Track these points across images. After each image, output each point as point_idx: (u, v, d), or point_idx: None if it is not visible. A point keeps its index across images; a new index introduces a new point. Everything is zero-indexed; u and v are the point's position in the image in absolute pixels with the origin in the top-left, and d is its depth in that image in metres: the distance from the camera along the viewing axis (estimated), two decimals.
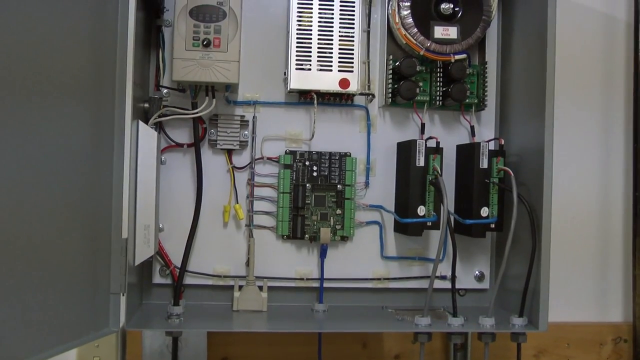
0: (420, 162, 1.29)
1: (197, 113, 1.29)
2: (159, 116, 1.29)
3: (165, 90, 1.32)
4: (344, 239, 1.37)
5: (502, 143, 1.34)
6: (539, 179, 1.25)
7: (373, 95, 1.38)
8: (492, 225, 1.32)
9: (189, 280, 1.35)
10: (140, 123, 1.21)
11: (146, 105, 1.29)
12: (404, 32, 1.32)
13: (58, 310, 1.05)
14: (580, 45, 1.67)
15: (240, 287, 1.33)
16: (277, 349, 1.49)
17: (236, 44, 1.24)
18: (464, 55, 1.35)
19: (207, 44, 1.23)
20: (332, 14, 1.31)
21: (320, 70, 1.31)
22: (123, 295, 1.16)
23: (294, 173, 1.35)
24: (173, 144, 1.34)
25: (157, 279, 1.35)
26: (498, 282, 1.29)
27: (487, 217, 1.31)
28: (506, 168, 1.30)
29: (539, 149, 1.26)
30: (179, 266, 1.31)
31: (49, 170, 1.03)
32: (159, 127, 1.32)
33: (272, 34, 1.36)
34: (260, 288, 1.33)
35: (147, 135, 1.22)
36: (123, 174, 1.16)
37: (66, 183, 1.06)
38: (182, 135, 1.34)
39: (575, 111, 1.66)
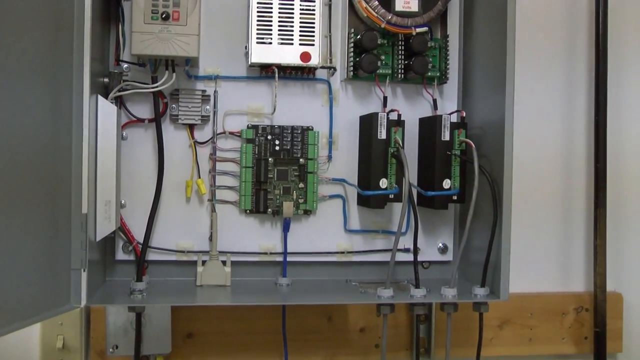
0: (382, 134, 1.29)
1: (156, 87, 1.28)
2: (119, 91, 1.28)
3: (125, 65, 1.31)
4: (307, 212, 1.37)
5: (464, 115, 1.35)
6: (500, 151, 1.26)
7: (335, 69, 1.37)
8: (454, 197, 1.33)
9: (152, 256, 1.34)
10: (100, 97, 1.19)
11: (106, 80, 1.28)
12: (364, 4, 1.32)
13: (17, 286, 1.04)
14: (543, 15, 1.68)
15: (204, 262, 1.33)
16: (242, 324, 1.49)
17: (195, 17, 1.23)
18: (425, 28, 1.35)
19: (166, 17, 1.22)
20: None
21: (282, 43, 1.31)
22: (84, 271, 1.15)
23: (256, 147, 1.35)
24: (134, 119, 1.32)
25: (121, 255, 1.34)
26: (460, 253, 1.30)
27: (449, 189, 1.32)
28: (467, 140, 1.30)
29: (500, 121, 1.26)
30: (142, 242, 1.30)
31: (6, 146, 1.01)
32: (120, 103, 1.31)
33: (233, 7, 1.35)
34: (224, 263, 1.33)
35: (107, 109, 1.21)
36: (82, 149, 1.14)
37: (24, 159, 1.05)
38: (144, 110, 1.33)
39: (537, 81, 1.67)
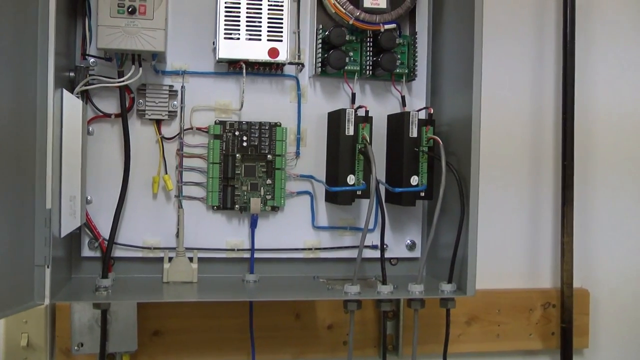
0: (350, 131, 1.29)
1: (122, 82, 1.27)
2: (85, 85, 1.26)
3: (92, 59, 1.29)
4: (274, 209, 1.37)
5: (432, 112, 1.35)
6: (467, 148, 1.27)
7: (302, 65, 1.37)
8: (422, 194, 1.33)
9: (119, 252, 1.33)
10: (65, 92, 1.18)
11: (72, 74, 1.27)
12: (333, 1, 1.32)
13: None
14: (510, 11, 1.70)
15: (170, 258, 1.32)
16: (209, 321, 1.48)
17: (162, 11, 1.22)
18: (393, 25, 1.35)
19: (132, 11, 1.21)
20: None
21: (249, 39, 1.30)
22: (48, 267, 1.13)
23: (224, 143, 1.34)
24: (100, 114, 1.31)
25: (87, 252, 1.33)
26: (427, 250, 1.30)
27: (416, 186, 1.32)
28: (435, 137, 1.31)
29: (467, 118, 1.27)
30: (108, 238, 1.29)
31: None
32: (86, 97, 1.30)
33: (201, 2, 1.34)
34: (191, 259, 1.32)
35: (72, 104, 1.19)
36: (46, 144, 1.12)
37: None
38: (110, 105, 1.31)
39: (507, 78, 1.69)
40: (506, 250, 1.69)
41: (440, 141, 1.28)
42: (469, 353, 1.66)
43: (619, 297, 1.78)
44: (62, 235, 1.17)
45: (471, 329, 1.65)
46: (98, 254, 1.32)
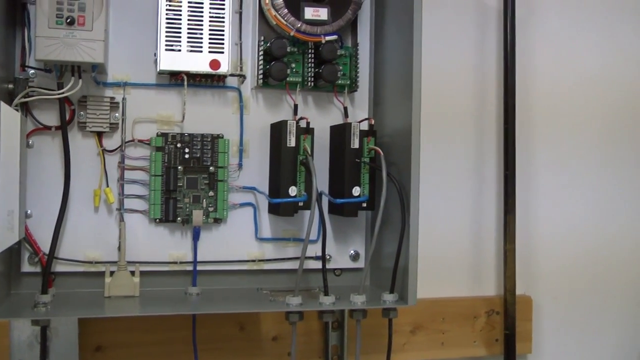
0: (291, 142, 1.29)
1: (62, 93, 1.25)
2: (24, 97, 1.25)
3: (31, 71, 1.27)
4: (217, 221, 1.36)
5: (372, 123, 1.36)
6: (407, 158, 1.28)
7: (244, 77, 1.37)
8: (364, 204, 1.34)
9: (60, 267, 1.31)
10: (2, 104, 1.15)
11: (11, 86, 1.25)
12: (274, 12, 1.32)
13: None
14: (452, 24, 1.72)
15: (112, 272, 1.30)
16: (152, 335, 1.47)
17: (102, 22, 1.21)
18: (334, 37, 1.36)
19: (71, 22, 1.19)
20: None
21: (191, 51, 1.30)
22: None
23: (166, 155, 1.33)
24: (40, 126, 1.29)
25: (26, 267, 1.30)
26: (369, 260, 1.31)
27: (358, 196, 1.33)
28: (376, 147, 1.32)
29: (407, 129, 1.28)
30: (48, 253, 1.27)
31: None
32: (26, 110, 1.28)
33: (142, 13, 1.33)
34: (133, 273, 1.31)
35: (10, 116, 1.17)
36: None
37: None
38: (51, 118, 1.30)
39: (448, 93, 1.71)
40: (451, 259, 1.71)
41: (381, 152, 1.30)
42: None
43: (561, 303, 1.81)
44: (0, 250, 1.15)
45: (416, 337, 1.66)
46: (38, 269, 1.30)
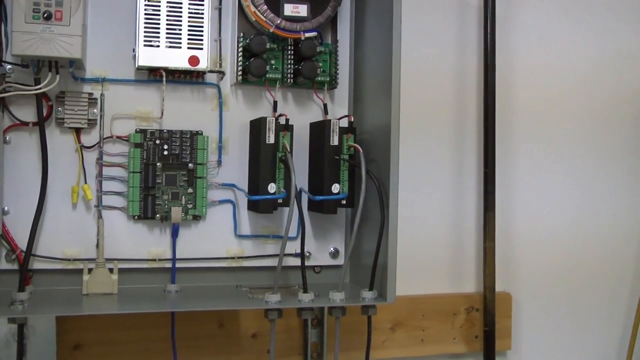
0: (270, 139, 1.29)
1: (39, 89, 1.24)
2: (1, 92, 1.23)
3: (8, 66, 1.26)
4: (196, 218, 1.36)
5: (352, 120, 1.36)
6: (387, 155, 1.28)
7: (223, 73, 1.37)
8: (343, 202, 1.34)
9: (37, 265, 1.30)
10: None
11: None
12: (253, 9, 1.32)
13: None
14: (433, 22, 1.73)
15: (90, 270, 1.29)
16: (131, 333, 1.46)
17: (79, 17, 1.20)
18: (314, 33, 1.36)
19: (48, 17, 1.18)
20: None
21: (170, 47, 1.29)
22: None
23: (145, 152, 1.33)
24: (17, 122, 1.28)
25: (3, 264, 1.29)
26: (348, 257, 1.31)
27: (337, 194, 1.33)
28: (355, 144, 1.32)
29: (386, 125, 1.28)
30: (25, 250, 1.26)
31: None
32: (3, 105, 1.27)
33: (121, 9, 1.32)
34: (111, 270, 1.30)
35: None
36: None
37: None
38: (28, 113, 1.28)
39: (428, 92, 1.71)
40: (430, 255, 1.72)
41: (361, 149, 1.30)
42: (394, 358, 1.67)
43: (540, 299, 1.82)
44: None
45: (396, 334, 1.66)
46: (16, 266, 1.29)
